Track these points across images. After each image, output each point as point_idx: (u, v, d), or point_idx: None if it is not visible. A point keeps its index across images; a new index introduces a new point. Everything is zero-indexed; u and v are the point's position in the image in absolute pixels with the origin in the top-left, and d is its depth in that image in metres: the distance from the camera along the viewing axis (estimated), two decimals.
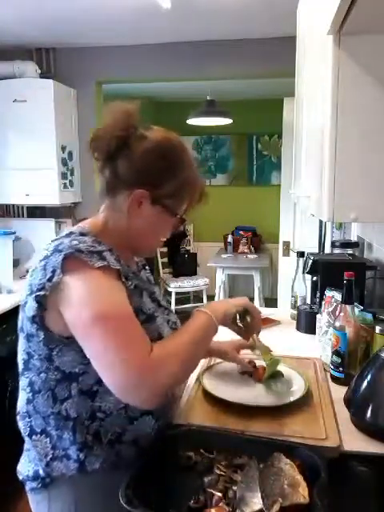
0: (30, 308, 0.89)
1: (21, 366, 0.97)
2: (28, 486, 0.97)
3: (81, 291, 0.85)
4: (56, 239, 0.94)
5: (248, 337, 1.20)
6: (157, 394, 0.86)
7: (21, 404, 0.98)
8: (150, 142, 0.95)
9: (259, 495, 0.77)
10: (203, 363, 1.40)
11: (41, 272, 0.88)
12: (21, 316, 0.94)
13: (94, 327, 0.83)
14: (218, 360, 1.41)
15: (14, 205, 3.36)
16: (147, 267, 1.21)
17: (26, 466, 0.98)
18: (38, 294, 0.86)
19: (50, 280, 0.85)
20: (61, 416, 0.92)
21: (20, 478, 0.99)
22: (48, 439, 0.94)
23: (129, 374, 0.82)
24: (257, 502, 0.76)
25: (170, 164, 0.96)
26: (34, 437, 0.96)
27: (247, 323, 1.15)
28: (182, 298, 4.96)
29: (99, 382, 0.87)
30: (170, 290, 4.64)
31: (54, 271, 0.85)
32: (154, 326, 0.97)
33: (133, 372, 0.82)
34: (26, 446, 1.00)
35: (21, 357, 0.96)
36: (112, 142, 0.93)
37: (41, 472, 0.94)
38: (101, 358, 0.84)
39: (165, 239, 1.05)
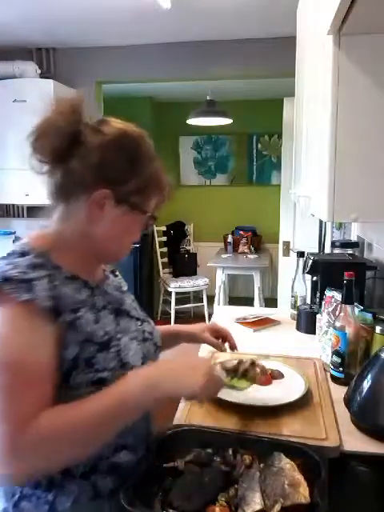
0: None
1: None
2: None
3: None
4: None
5: None
6: (16, 478, 0.76)
7: None
8: (105, 136, 0.84)
9: (260, 495, 0.77)
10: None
11: None
12: None
13: None
14: (218, 359, 1.41)
15: (14, 205, 3.36)
16: (117, 273, 1.10)
17: None
18: None
19: None
20: None
21: None
22: None
23: None
24: (258, 501, 0.76)
25: (132, 157, 0.86)
26: None
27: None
28: (182, 298, 4.96)
29: None
30: (169, 290, 4.64)
31: None
32: (112, 354, 0.85)
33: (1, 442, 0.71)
34: None
35: None
36: (60, 139, 0.81)
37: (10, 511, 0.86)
38: None
39: (134, 242, 0.94)
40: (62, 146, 0.82)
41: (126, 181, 0.85)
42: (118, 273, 1.10)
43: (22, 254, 0.82)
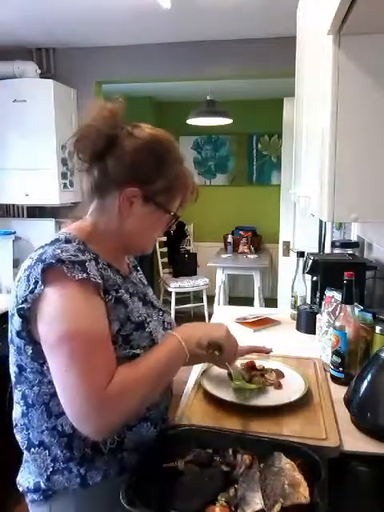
0: (16, 322, 0.87)
1: (13, 379, 0.94)
2: (29, 497, 0.95)
3: (55, 307, 0.82)
4: (41, 247, 0.92)
5: (223, 365, 1.15)
6: (106, 430, 0.84)
7: (16, 416, 0.96)
8: (138, 140, 0.93)
9: (260, 495, 0.77)
10: (203, 364, 1.40)
11: (25, 283, 0.86)
12: (9, 328, 0.91)
13: (60, 347, 0.81)
14: None
15: (14, 205, 3.36)
16: (139, 268, 1.20)
17: (26, 478, 0.96)
18: (21, 306, 0.85)
19: (32, 292, 0.83)
20: (56, 431, 0.90)
21: (20, 489, 0.98)
22: (47, 452, 0.92)
23: (82, 405, 0.80)
24: (258, 501, 0.76)
25: (160, 160, 0.94)
26: (32, 450, 0.93)
27: (221, 356, 1.06)
28: (182, 298, 4.96)
29: None
30: (169, 290, 4.64)
31: (36, 283, 0.83)
32: (146, 333, 0.95)
33: (86, 404, 0.80)
34: (25, 457, 0.98)
35: (12, 369, 0.94)
36: (100, 141, 0.90)
37: (42, 485, 0.93)
38: (59, 380, 0.82)
39: (159, 238, 1.04)
40: (101, 146, 0.91)
41: (154, 181, 0.94)
42: (139, 268, 1.20)
43: (68, 241, 0.91)
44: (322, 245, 2.86)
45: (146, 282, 1.17)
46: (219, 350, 1.03)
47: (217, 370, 1.31)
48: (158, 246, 4.93)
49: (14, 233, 2.91)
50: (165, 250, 5.09)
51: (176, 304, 4.63)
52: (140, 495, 0.76)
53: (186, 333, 0.97)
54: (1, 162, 3.03)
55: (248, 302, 4.24)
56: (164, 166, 0.94)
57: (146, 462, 0.87)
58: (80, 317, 0.83)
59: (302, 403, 1.14)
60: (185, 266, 4.95)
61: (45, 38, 3.10)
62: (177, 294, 4.66)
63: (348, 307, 1.26)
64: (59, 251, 0.85)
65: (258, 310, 2.22)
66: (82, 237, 0.94)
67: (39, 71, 3.14)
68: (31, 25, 2.84)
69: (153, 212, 0.96)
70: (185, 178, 0.99)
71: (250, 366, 1.27)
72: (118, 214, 0.94)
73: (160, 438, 0.95)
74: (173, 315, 4.56)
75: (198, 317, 4.87)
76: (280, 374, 1.27)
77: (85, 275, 0.84)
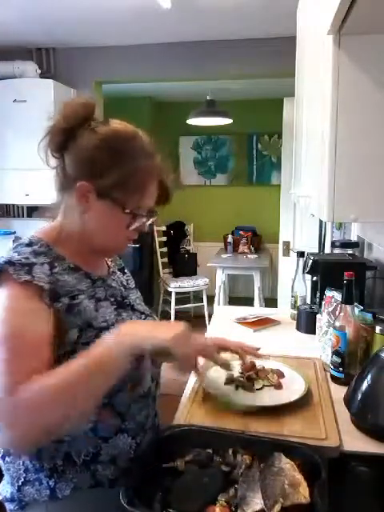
0: None
1: None
2: (7, 507, 0.94)
3: None
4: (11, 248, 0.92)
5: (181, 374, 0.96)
6: (22, 438, 0.74)
7: None
8: (97, 135, 0.90)
9: (260, 495, 0.77)
10: (203, 363, 1.40)
11: None
12: None
13: None
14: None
15: (14, 205, 3.36)
16: (126, 270, 1.16)
17: (4, 487, 0.95)
18: None
19: None
20: None
21: (0, 498, 0.96)
22: (20, 462, 0.90)
23: None
24: (258, 502, 0.76)
25: (114, 153, 0.89)
26: (7, 459, 0.92)
27: (175, 364, 0.88)
28: (182, 298, 4.96)
29: None
30: (169, 290, 4.64)
31: None
32: None
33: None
34: (3, 466, 0.95)
35: None
36: (57, 138, 0.90)
37: (16, 495, 0.91)
38: None
39: (132, 239, 0.97)
40: (58, 143, 0.90)
41: (105, 175, 0.89)
42: (127, 271, 1.16)
43: (29, 244, 0.90)
44: (322, 245, 2.86)
45: (132, 285, 1.13)
46: (166, 357, 0.86)
47: (216, 369, 1.31)
48: (158, 246, 4.93)
49: (14, 233, 2.91)
50: (165, 249, 5.09)
51: (176, 304, 4.63)
52: (140, 495, 0.76)
53: (124, 333, 0.83)
54: (1, 162, 3.04)
55: (248, 301, 4.23)
56: (119, 159, 0.89)
57: (147, 463, 0.86)
58: (13, 321, 0.80)
59: (302, 403, 1.14)
60: (185, 265, 4.95)
61: (45, 37, 3.10)
62: (177, 293, 4.66)
63: (348, 307, 1.26)
64: (15, 254, 0.86)
65: (257, 310, 2.22)
66: (49, 239, 0.92)
67: (39, 71, 3.15)
68: (31, 25, 2.84)
69: (111, 209, 0.90)
70: (147, 174, 0.92)
71: (250, 366, 1.27)
72: (78, 212, 0.91)
73: (160, 438, 0.95)
74: (173, 315, 4.56)
75: (198, 317, 4.87)
76: (280, 374, 1.27)
77: (29, 277, 0.82)
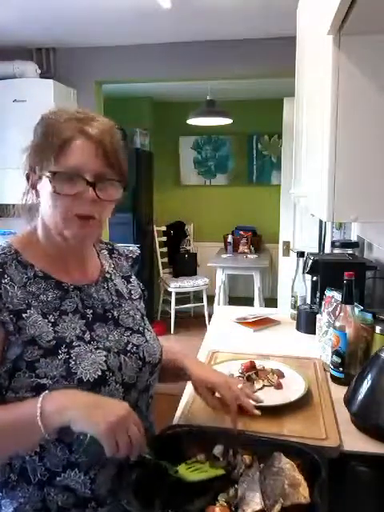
0: None
1: None
2: None
3: None
4: None
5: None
6: None
7: None
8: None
9: (260, 495, 0.77)
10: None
11: None
12: None
13: None
14: (218, 359, 1.42)
15: (14, 205, 3.36)
16: (132, 279, 1.06)
17: None
18: None
19: None
20: None
21: None
22: None
23: None
24: (258, 501, 0.76)
25: (35, 136, 0.90)
26: None
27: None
28: (182, 298, 4.96)
29: None
30: (169, 290, 4.64)
31: None
32: (58, 361, 0.81)
33: None
34: None
35: None
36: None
37: None
38: None
39: (79, 214, 0.84)
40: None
41: (30, 156, 0.89)
42: (133, 279, 1.06)
43: None
44: (322, 245, 2.86)
45: (135, 296, 1.04)
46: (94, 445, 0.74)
47: (216, 369, 1.31)
48: (158, 246, 4.93)
49: (14, 233, 2.91)
50: (165, 249, 5.09)
51: (176, 304, 4.63)
52: (140, 495, 0.76)
53: (57, 403, 0.74)
54: (1, 162, 3.03)
55: (248, 301, 4.24)
56: (34, 137, 0.90)
57: (147, 463, 0.86)
58: None
59: (302, 403, 1.14)
60: (185, 265, 4.95)
61: (45, 37, 3.10)
62: (177, 294, 4.66)
63: (348, 307, 1.26)
64: None
65: (257, 310, 2.22)
66: (20, 244, 0.90)
67: (39, 71, 3.15)
68: (31, 25, 2.84)
69: (42, 186, 0.87)
70: (55, 131, 0.84)
71: (250, 366, 1.27)
72: (37, 206, 0.90)
73: (160, 437, 0.95)
74: (173, 315, 4.56)
75: (198, 317, 4.87)
76: (280, 374, 1.27)
77: None
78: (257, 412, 0.95)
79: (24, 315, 0.81)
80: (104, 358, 0.86)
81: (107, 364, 0.86)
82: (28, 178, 0.91)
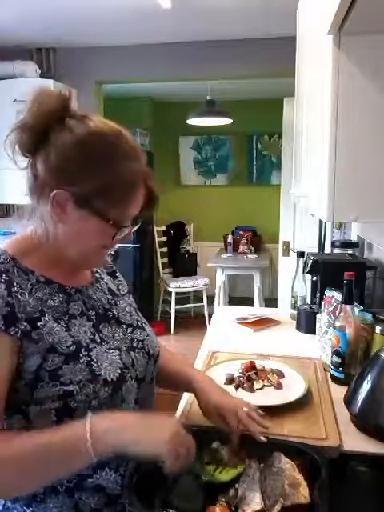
0: None
1: None
2: None
3: None
4: None
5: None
6: None
7: None
8: (72, 135, 0.79)
9: (260, 495, 0.77)
10: (203, 363, 1.40)
11: None
12: None
13: None
14: (218, 360, 1.42)
15: (14, 205, 3.36)
16: (118, 274, 1.05)
17: None
18: None
19: None
20: None
21: None
22: None
23: None
24: (258, 501, 0.76)
25: (92, 157, 0.79)
26: None
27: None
28: (182, 298, 4.96)
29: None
30: (169, 290, 4.64)
31: None
32: (80, 365, 0.80)
33: None
34: None
35: None
36: (28, 135, 0.79)
37: None
38: None
39: (110, 250, 0.86)
40: (28, 143, 0.80)
41: (84, 181, 0.78)
42: (118, 274, 1.06)
43: None
44: (322, 245, 2.86)
45: (124, 291, 1.03)
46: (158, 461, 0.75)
47: (216, 369, 1.31)
48: (158, 246, 4.93)
49: (14, 233, 2.91)
50: (165, 250, 5.09)
51: (176, 304, 4.63)
52: (140, 495, 0.76)
53: (107, 428, 0.72)
54: (1, 162, 3.03)
55: (248, 302, 4.24)
56: (96, 164, 0.79)
57: (146, 463, 0.86)
58: None
59: (302, 403, 1.14)
60: (185, 265, 4.95)
61: (45, 37, 3.10)
62: (177, 294, 4.66)
63: (348, 307, 1.26)
64: None
65: (258, 310, 2.22)
66: (16, 251, 0.83)
67: (39, 71, 3.15)
68: (31, 25, 2.84)
69: (88, 219, 0.80)
70: (132, 180, 0.81)
71: (250, 366, 1.27)
72: (53, 221, 0.81)
73: None
74: (173, 315, 4.56)
75: (198, 317, 4.87)
76: (280, 374, 1.27)
77: None
78: (263, 439, 0.89)
79: (39, 324, 0.78)
80: (118, 357, 0.86)
81: (123, 362, 0.86)
82: (50, 189, 0.79)
